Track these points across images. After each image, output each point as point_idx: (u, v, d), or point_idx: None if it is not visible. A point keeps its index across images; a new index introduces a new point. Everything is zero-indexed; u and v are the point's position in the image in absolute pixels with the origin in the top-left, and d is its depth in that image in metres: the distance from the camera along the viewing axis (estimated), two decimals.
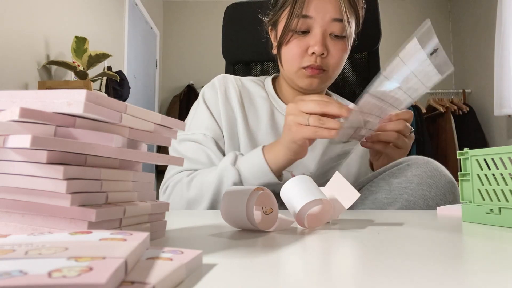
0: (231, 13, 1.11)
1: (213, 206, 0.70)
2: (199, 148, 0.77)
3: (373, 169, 0.77)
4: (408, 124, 0.68)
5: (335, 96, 0.95)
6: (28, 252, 0.17)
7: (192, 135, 0.79)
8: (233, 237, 0.34)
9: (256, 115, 0.83)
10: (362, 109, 0.58)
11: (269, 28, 0.84)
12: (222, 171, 0.68)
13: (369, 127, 0.65)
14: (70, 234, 0.22)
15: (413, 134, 0.70)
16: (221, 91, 0.83)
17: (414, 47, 0.52)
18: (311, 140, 0.64)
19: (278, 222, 0.40)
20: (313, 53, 0.73)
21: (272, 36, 0.84)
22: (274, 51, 0.83)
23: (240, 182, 0.67)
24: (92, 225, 0.26)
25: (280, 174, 0.69)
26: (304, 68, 0.75)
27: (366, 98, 0.57)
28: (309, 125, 0.59)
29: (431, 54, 0.54)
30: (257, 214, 0.40)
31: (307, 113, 0.59)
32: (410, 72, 0.55)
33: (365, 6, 0.79)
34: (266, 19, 0.85)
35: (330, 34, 0.74)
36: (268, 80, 0.91)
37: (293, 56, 0.75)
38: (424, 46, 0.52)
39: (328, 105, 0.58)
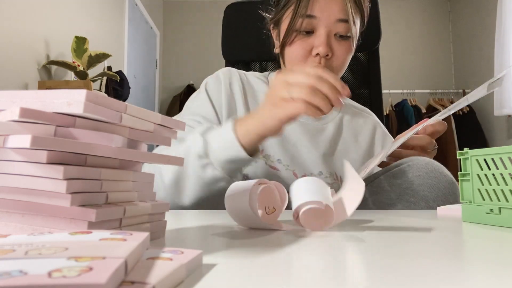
0: (230, 13, 1.11)
1: (177, 179, 0.63)
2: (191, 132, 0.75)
3: None
4: (433, 140, 0.70)
5: None
6: (28, 252, 0.17)
7: (188, 121, 0.76)
8: (233, 237, 0.34)
9: None
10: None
11: (271, 26, 0.83)
12: (189, 142, 0.62)
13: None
14: (70, 234, 0.22)
15: (435, 151, 0.73)
16: (225, 83, 0.82)
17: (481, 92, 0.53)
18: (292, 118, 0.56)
19: (281, 223, 0.40)
20: (317, 54, 0.71)
21: (274, 34, 0.83)
22: (277, 50, 0.82)
23: (205, 154, 0.60)
24: (92, 225, 0.26)
25: (254, 151, 0.61)
26: None
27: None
28: (295, 100, 0.52)
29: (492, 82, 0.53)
30: (259, 214, 0.40)
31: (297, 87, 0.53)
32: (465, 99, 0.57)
33: (369, 5, 0.78)
34: (269, 16, 0.84)
35: (335, 35, 0.73)
36: (272, 76, 0.89)
37: (296, 57, 0.74)
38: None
39: (322, 82, 0.51)
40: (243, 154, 0.58)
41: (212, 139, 0.60)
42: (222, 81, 0.83)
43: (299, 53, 0.73)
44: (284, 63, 0.79)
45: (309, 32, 0.73)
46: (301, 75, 0.52)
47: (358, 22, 0.75)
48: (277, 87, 0.55)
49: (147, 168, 0.65)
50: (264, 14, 0.85)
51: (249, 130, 0.58)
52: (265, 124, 0.57)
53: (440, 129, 0.70)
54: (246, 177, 0.78)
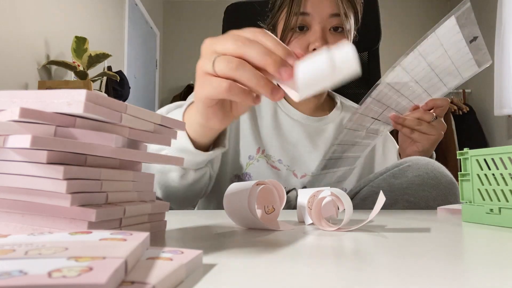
0: (231, 13, 1.11)
1: (161, 171, 0.61)
2: None
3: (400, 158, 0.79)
4: (429, 112, 0.72)
5: (339, 97, 0.94)
6: (28, 252, 0.17)
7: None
8: (233, 237, 0.34)
9: (259, 114, 0.83)
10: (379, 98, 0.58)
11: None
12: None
13: (400, 110, 0.68)
14: (70, 234, 0.22)
15: (441, 121, 0.73)
16: None
17: (452, 26, 0.50)
18: (236, 110, 0.46)
19: (281, 223, 0.40)
20: (314, 49, 0.73)
21: None
22: None
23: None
24: (92, 225, 0.26)
25: (206, 146, 0.55)
26: None
27: (382, 88, 0.57)
28: (217, 76, 0.38)
29: (470, 41, 0.52)
30: (258, 213, 0.40)
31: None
32: (444, 51, 0.53)
33: (363, 1, 0.80)
34: (263, 24, 0.85)
35: (330, 29, 0.75)
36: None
37: None
38: (462, 29, 0.51)
39: (256, 49, 0.36)
40: (189, 145, 0.52)
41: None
42: None
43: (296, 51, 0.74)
44: None
45: (304, 30, 0.75)
46: (231, 41, 0.37)
47: (351, 16, 0.77)
48: (203, 57, 0.40)
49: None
50: (260, 24, 0.86)
51: (191, 119, 0.51)
52: (198, 109, 0.45)
53: (440, 104, 0.71)
54: (239, 178, 0.78)
